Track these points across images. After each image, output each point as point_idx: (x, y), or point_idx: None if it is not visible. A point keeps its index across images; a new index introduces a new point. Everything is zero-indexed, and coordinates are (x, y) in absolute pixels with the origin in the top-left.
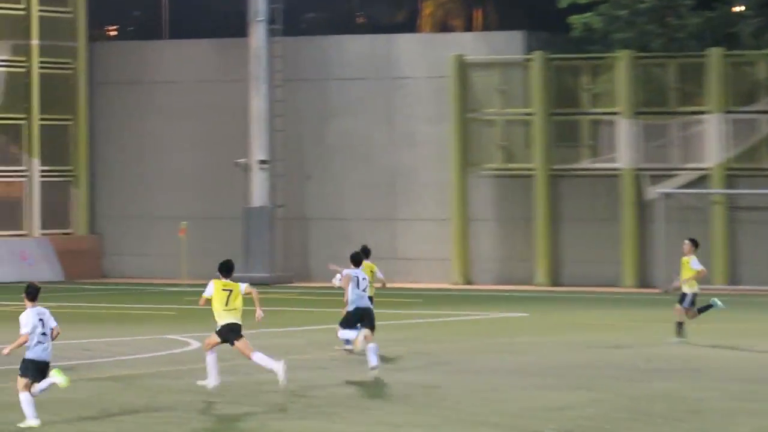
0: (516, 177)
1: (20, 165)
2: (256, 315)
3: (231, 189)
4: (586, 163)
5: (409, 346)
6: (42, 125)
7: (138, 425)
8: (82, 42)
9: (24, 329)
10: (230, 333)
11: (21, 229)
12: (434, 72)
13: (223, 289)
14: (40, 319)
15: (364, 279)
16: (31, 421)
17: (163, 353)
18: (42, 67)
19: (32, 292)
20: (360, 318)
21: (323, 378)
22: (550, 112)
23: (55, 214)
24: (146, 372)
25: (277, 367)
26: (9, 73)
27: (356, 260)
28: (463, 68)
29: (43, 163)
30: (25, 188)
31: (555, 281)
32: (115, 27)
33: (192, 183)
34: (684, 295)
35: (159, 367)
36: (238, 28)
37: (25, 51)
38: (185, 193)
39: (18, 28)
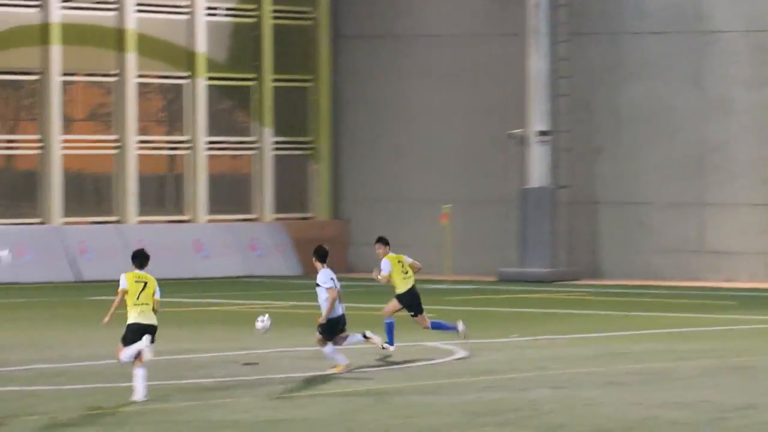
0: None
1: (249, 135)
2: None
3: (504, 166)
4: None
5: (718, 358)
6: (275, 87)
7: None
8: None
9: None
10: (133, 335)
11: (250, 213)
12: (754, 25)
13: (136, 281)
14: None
15: (332, 279)
16: None
17: (421, 364)
18: (276, 17)
19: None
20: (334, 327)
21: (613, 396)
22: None
23: (290, 195)
24: (401, 386)
25: (139, 393)
26: (236, 24)
27: (322, 255)
28: None
29: (277, 134)
30: (255, 163)
31: None
32: None
33: (456, 159)
34: None
35: (416, 381)
36: None
37: None
38: (448, 170)
39: None
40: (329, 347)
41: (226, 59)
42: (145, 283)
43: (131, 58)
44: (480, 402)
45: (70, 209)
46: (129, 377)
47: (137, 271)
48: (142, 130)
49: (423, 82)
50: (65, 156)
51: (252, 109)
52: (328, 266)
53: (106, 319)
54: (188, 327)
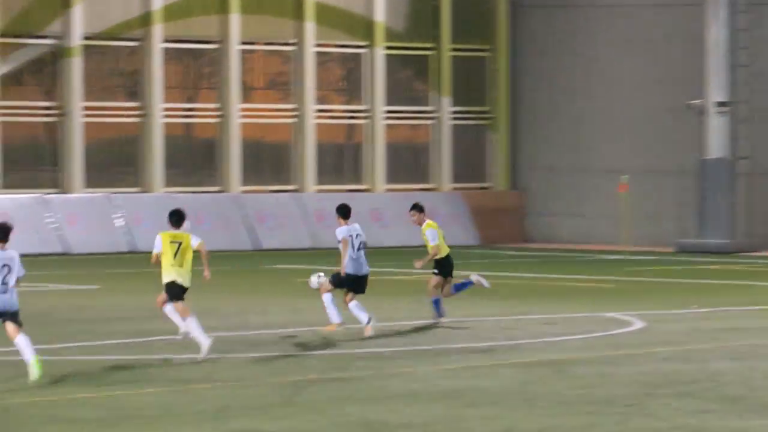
0: None
1: (427, 105)
2: (204, 275)
3: (682, 137)
4: None
5: None
6: (453, 57)
7: (569, 420)
8: None
9: None
10: (174, 292)
11: (428, 183)
12: None
13: (172, 242)
14: (4, 265)
15: (358, 236)
16: None
17: (599, 334)
18: None
19: (0, 231)
20: (352, 284)
21: None
22: None
23: (468, 165)
24: (578, 357)
25: (204, 343)
26: None
27: (345, 212)
28: None
29: (455, 103)
30: (433, 133)
31: None
32: None
33: (635, 129)
34: None
35: (594, 352)
36: None
37: None
38: (626, 141)
39: None
40: (329, 296)
41: (405, 28)
42: (180, 243)
43: (310, 27)
44: (658, 373)
45: (248, 178)
46: (310, 347)
47: (173, 231)
48: (321, 99)
49: (602, 51)
50: (244, 125)
51: (430, 78)
52: (351, 223)
53: (153, 261)
54: (366, 296)
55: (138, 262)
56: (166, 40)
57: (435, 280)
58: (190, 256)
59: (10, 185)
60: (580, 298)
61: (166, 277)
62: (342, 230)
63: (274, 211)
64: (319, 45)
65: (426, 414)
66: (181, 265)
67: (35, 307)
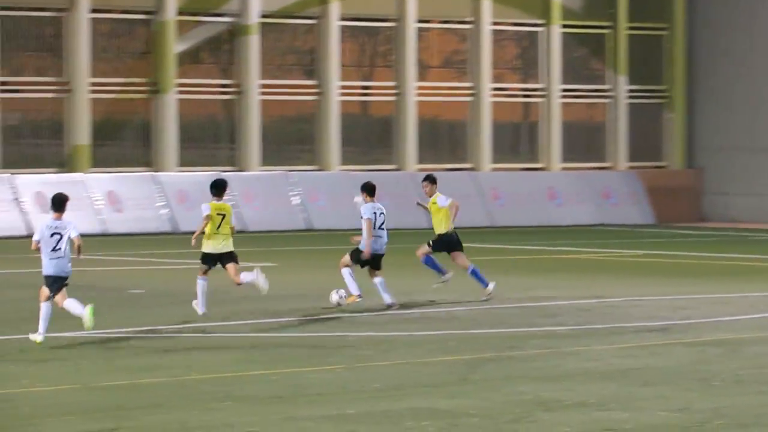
0: None
1: (603, 84)
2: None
3: None
4: None
5: None
6: (630, 36)
7: (743, 399)
8: None
9: (34, 237)
10: (222, 258)
11: (603, 162)
12: None
13: (218, 213)
14: (54, 234)
15: (381, 214)
16: (36, 336)
17: None
18: None
19: (55, 202)
20: (369, 261)
21: None
22: None
23: (645, 144)
24: (753, 336)
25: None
26: None
27: (371, 189)
28: None
29: (632, 82)
30: (610, 112)
31: None
32: None
33: None
34: None
35: None
36: None
37: None
38: None
39: None
40: (348, 270)
41: (581, 7)
42: (224, 216)
43: (486, 5)
44: None
45: (424, 156)
46: (484, 325)
47: (216, 202)
48: (497, 78)
49: None
50: (420, 103)
51: (607, 57)
52: (377, 200)
53: (194, 242)
54: (541, 274)
55: (315, 239)
56: (343, 18)
57: (424, 248)
58: (230, 222)
59: (187, 163)
60: (755, 278)
61: (205, 247)
62: (368, 208)
63: (450, 190)
64: (495, 23)
65: (600, 392)
66: (223, 233)
67: (212, 284)
